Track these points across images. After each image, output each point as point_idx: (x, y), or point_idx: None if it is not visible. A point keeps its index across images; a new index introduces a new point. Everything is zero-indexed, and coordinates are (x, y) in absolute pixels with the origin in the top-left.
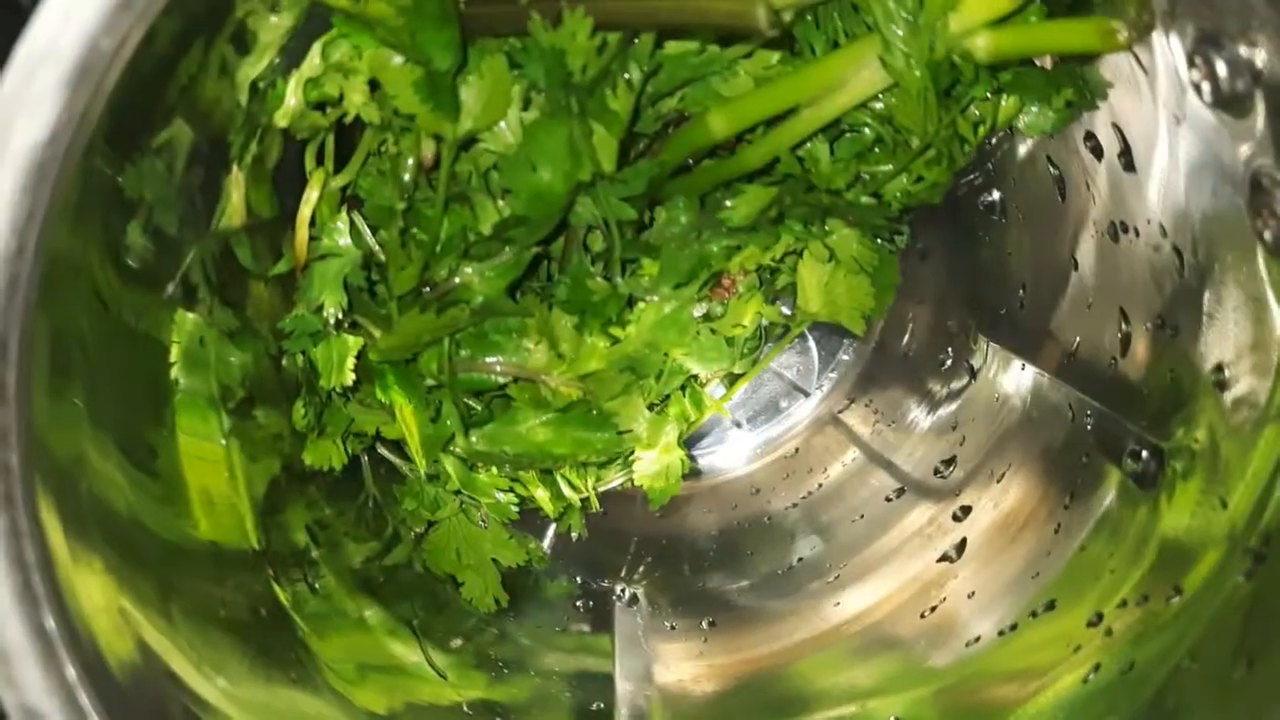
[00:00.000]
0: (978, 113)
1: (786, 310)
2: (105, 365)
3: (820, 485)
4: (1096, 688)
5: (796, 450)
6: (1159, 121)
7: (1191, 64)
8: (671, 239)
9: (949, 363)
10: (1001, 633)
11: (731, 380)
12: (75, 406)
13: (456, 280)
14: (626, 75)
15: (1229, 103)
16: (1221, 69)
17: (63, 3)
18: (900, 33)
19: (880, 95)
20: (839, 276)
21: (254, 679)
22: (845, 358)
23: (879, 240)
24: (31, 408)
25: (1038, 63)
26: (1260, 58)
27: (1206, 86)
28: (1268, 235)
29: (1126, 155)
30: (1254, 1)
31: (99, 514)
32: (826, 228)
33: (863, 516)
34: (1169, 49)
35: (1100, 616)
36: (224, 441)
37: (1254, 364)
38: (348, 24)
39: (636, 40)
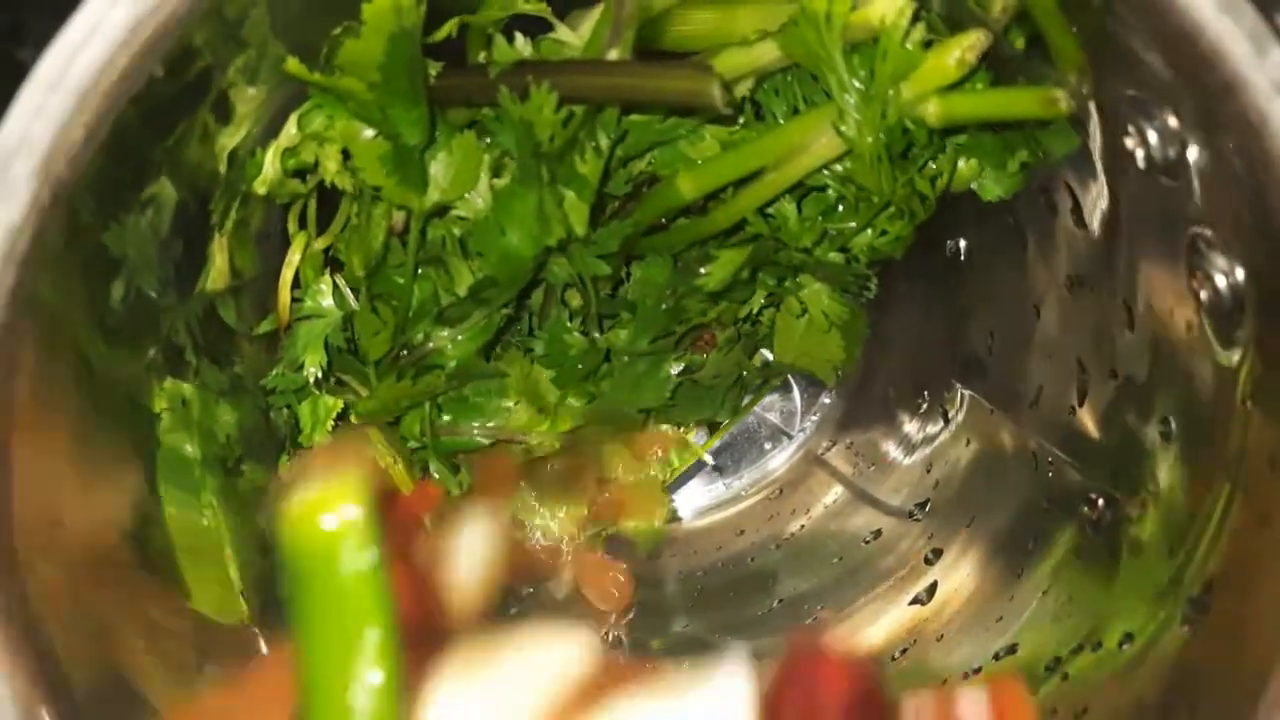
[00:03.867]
0: (935, 167)
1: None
2: (90, 428)
3: (802, 526)
4: None
5: (780, 491)
6: (1103, 183)
7: (1126, 131)
8: (647, 295)
9: (925, 407)
10: (966, 675)
11: (713, 427)
12: (57, 471)
13: (430, 345)
14: (594, 142)
15: (1162, 169)
16: (1153, 137)
17: (35, 98)
18: (853, 101)
19: (841, 158)
20: (811, 330)
21: None
22: (826, 400)
23: (848, 294)
24: (11, 476)
25: None
26: (1186, 129)
27: (1141, 153)
28: (1203, 295)
29: (1077, 212)
30: (1176, 78)
31: (82, 580)
32: (799, 281)
33: (841, 559)
34: (1108, 116)
35: (1058, 661)
36: (213, 501)
37: (1197, 416)
38: (322, 96)
39: (602, 110)
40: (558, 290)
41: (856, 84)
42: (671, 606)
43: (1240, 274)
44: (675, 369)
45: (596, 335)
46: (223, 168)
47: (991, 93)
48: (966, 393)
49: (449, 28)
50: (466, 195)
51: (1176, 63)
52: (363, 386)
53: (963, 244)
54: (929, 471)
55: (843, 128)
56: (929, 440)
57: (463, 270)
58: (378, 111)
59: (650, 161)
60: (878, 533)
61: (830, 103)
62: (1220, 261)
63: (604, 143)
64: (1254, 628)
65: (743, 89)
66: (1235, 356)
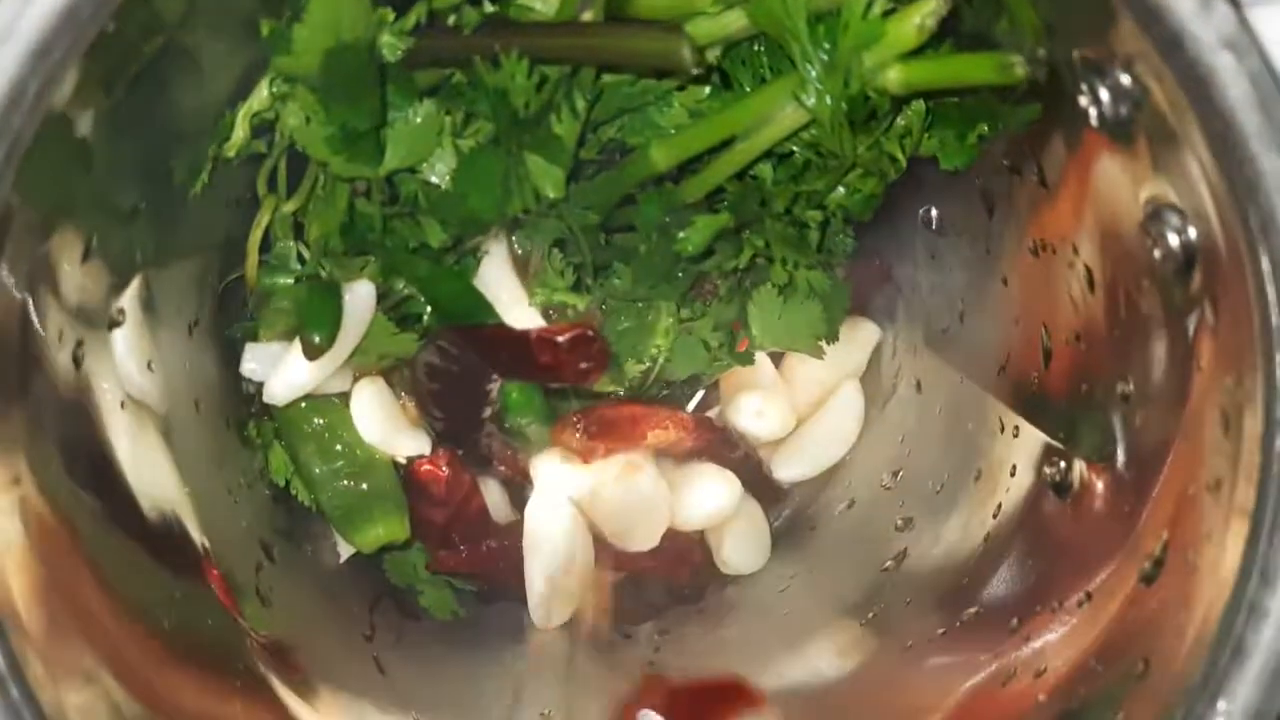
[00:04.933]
0: (903, 124)
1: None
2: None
3: None
4: (1011, 692)
5: None
6: (1062, 144)
7: (1080, 90)
8: (640, 238)
9: (898, 376)
10: (931, 639)
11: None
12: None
13: (407, 291)
14: (571, 104)
15: (1115, 128)
16: (1105, 95)
17: None
18: (815, 71)
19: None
20: (791, 305)
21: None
22: None
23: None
24: None
25: None
26: (1137, 85)
27: (1094, 111)
28: (1158, 253)
29: (1040, 175)
30: (1128, 33)
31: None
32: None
33: (814, 529)
34: (1062, 76)
35: (1020, 622)
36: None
37: (1155, 378)
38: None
39: (578, 73)
40: (544, 246)
41: (821, 54)
42: None
43: (1193, 232)
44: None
45: (590, 282)
46: (188, 127)
47: (951, 59)
48: (937, 361)
49: (416, 14)
50: (428, 160)
51: (1125, 19)
52: None
53: (934, 213)
54: (901, 440)
55: (803, 96)
56: (902, 409)
57: (434, 225)
58: (322, 107)
59: (620, 128)
60: (852, 503)
61: (794, 72)
62: (1174, 219)
63: (580, 105)
64: (1207, 586)
65: (710, 57)
66: (1190, 316)
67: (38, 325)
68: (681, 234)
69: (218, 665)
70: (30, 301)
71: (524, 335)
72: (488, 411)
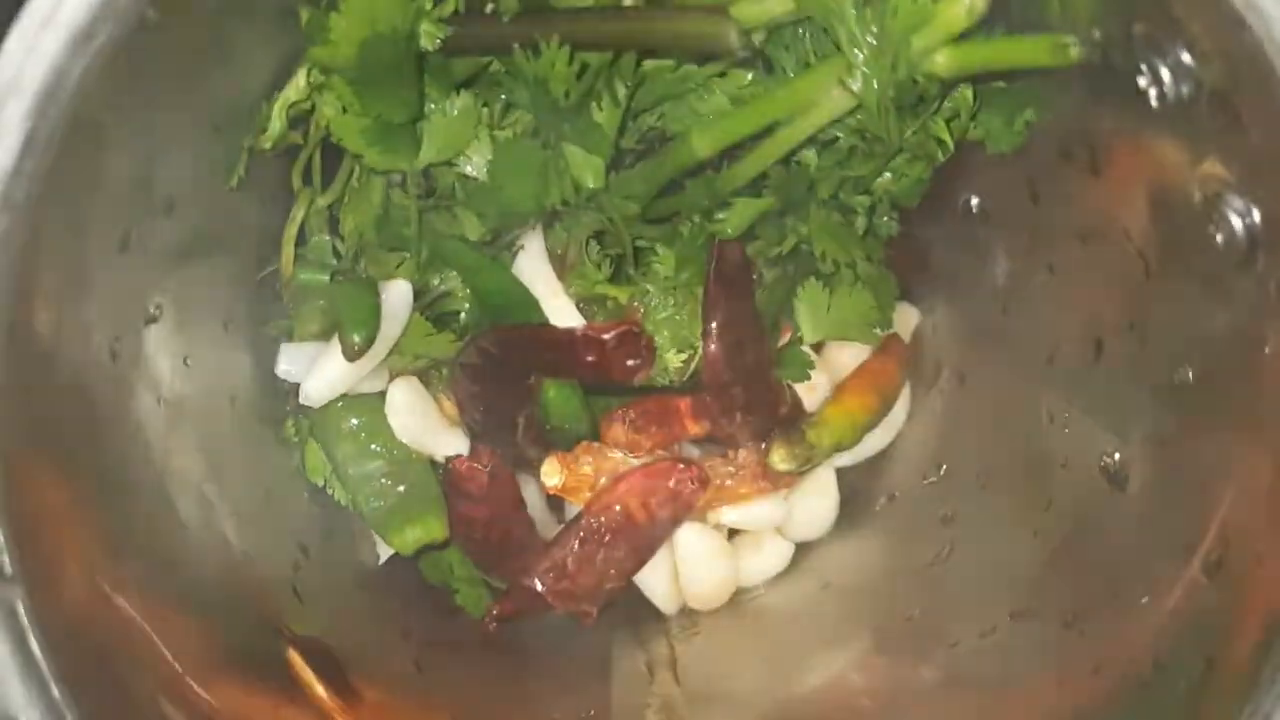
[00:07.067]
0: (952, 106)
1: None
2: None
3: None
4: (1066, 690)
5: None
6: (1118, 127)
7: (1139, 71)
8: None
9: (941, 368)
10: (982, 635)
11: None
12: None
13: (444, 288)
14: (611, 92)
15: (1176, 108)
16: (1166, 75)
17: (26, 36)
18: (861, 55)
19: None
20: (841, 294)
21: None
22: None
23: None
24: None
25: None
26: (1199, 64)
27: (1154, 92)
28: (1220, 238)
29: (1091, 159)
30: (1191, 8)
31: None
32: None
33: (854, 524)
34: (1120, 56)
35: (1074, 619)
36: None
37: (1216, 366)
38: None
39: (618, 61)
40: (582, 238)
41: (869, 38)
42: None
43: (1257, 215)
44: None
45: (631, 272)
46: (225, 117)
47: (1001, 41)
48: (981, 353)
49: (454, 1)
50: (465, 152)
51: None
52: None
53: (975, 199)
54: (943, 434)
55: (849, 81)
56: (945, 401)
57: (471, 217)
58: (358, 98)
59: (660, 116)
60: (892, 496)
61: (840, 56)
62: (1237, 202)
63: (621, 93)
64: (1272, 580)
65: (754, 41)
66: (1253, 301)
67: (74, 320)
68: (721, 215)
69: (254, 664)
70: (67, 296)
71: (569, 334)
72: (527, 411)
